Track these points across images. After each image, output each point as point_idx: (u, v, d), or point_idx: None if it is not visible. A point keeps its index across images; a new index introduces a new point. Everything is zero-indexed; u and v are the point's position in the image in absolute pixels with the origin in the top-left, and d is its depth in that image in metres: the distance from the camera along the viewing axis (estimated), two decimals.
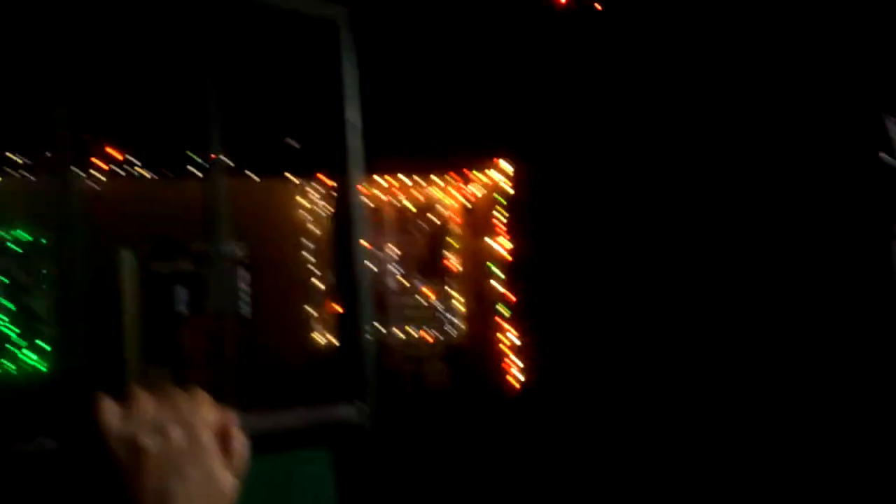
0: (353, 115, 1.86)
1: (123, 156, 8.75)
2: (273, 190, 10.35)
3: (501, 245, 10.33)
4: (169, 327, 10.23)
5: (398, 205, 10.99)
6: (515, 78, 7.90)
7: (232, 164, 9.34)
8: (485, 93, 7.91)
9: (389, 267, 10.95)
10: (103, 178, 9.03)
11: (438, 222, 11.21)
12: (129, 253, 9.91)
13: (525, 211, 9.86)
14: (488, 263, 10.49)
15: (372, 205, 10.81)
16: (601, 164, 8.32)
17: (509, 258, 10.26)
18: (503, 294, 10.31)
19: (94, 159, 8.70)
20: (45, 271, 9.32)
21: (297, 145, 9.06)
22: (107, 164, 8.83)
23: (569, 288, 8.91)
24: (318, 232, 10.62)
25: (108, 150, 8.63)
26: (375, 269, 11.00)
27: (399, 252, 11.04)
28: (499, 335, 10.31)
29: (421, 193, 11.05)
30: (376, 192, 10.68)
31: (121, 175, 9.06)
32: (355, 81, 1.91)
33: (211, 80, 1.69)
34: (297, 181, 10.51)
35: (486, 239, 10.52)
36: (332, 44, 1.84)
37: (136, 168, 9.14)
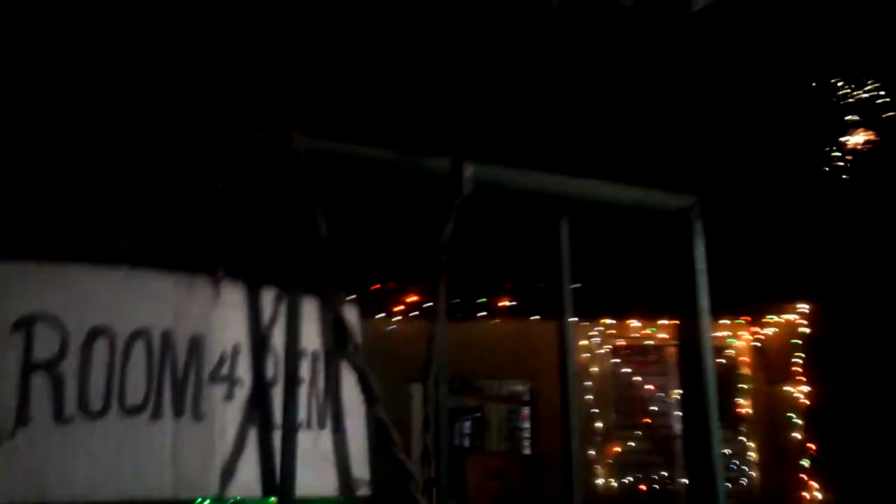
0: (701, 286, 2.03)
1: (419, 298, 9.54)
2: (552, 330, 10.55)
3: (800, 390, 9.50)
4: (452, 461, 10.59)
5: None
6: (819, 226, 7.53)
7: (514, 307, 9.81)
8: (789, 240, 7.58)
9: (673, 411, 10.50)
10: (400, 319, 9.89)
11: (727, 364, 10.62)
12: (419, 387, 10.54)
13: (826, 354, 9.04)
14: (786, 411, 9.66)
15: (650, 344, 10.59)
16: None
17: (809, 404, 9.38)
18: (803, 443, 9.37)
19: (397, 304, 9.61)
20: None
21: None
22: (405, 306, 9.68)
23: (877, 438, 7.90)
24: (597, 371, 10.57)
25: (409, 295, 9.48)
26: (659, 411, 10.61)
27: (682, 394, 10.57)
28: (799, 489, 9.30)
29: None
30: (660, 332, 10.47)
31: (416, 315, 9.86)
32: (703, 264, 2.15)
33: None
34: (578, 321, 10.66)
35: (782, 383, 9.74)
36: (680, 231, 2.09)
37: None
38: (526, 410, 11.46)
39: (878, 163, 6.68)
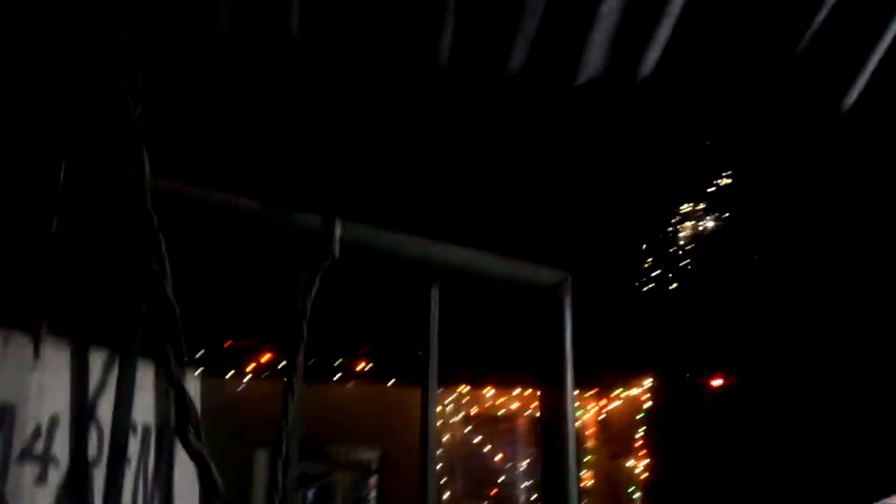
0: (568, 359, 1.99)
1: (270, 358, 9.17)
2: (406, 397, 10.43)
3: (639, 463, 9.79)
4: None
5: (531, 415, 10.77)
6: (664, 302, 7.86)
7: (371, 370, 9.61)
8: (637, 316, 7.85)
9: (520, 482, 10.54)
10: (251, 378, 9.44)
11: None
12: (264, 453, 10.08)
13: (663, 427, 9.40)
14: (626, 484, 9.91)
15: (502, 414, 10.65)
16: (753, 381, 7.94)
17: (647, 477, 9.67)
18: None
19: (245, 364, 9.17)
20: None
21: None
22: (254, 366, 9.27)
23: None
24: (448, 439, 10.49)
25: (263, 354, 9.09)
26: (506, 481, 10.62)
27: (529, 465, 10.67)
28: None
29: None
30: (511, 403, 10.56)
31: (269, 376, 9.45)
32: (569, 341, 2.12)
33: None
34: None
35: (624, 457, 10.01)
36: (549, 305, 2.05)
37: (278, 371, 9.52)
38: (374, 479, 11.16)
39: (721, 249, 7.10)
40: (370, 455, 11.00)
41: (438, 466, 10.21)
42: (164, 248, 1.42)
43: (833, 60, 1.95)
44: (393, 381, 9.57)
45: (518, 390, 10.55)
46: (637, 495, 9.74)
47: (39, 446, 1.53)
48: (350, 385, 9.64)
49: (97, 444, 1.61)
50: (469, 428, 10.61)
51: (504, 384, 10.34)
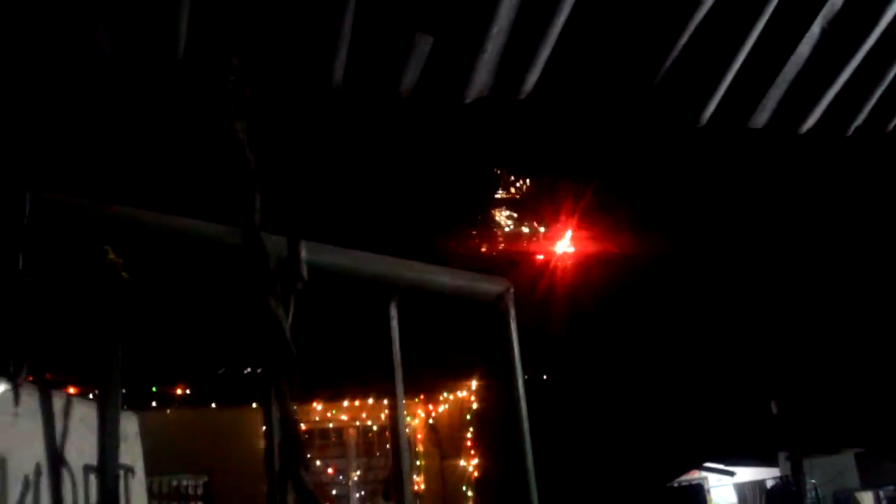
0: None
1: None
2: (229, 419, 10.03)
3: (470, 463, 10.04)
4: None
5: (361, 426, 10.73)
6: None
7: (193, 395, 9.19)
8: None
9: (353, 492, 10.48)
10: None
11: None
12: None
13: (489, 427, 9.69)
14: (459, 483, 10.12)
15: (335, 427, 10.55)
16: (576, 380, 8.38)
17: (477, 476, 9.93)
18: None
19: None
20: None
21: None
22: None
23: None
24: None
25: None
26: (338, 494, 10.51)
27: (361, 474, 10.63)
28: None
29: (385, 413, 10.84)
30: (341, 415, 10.46)
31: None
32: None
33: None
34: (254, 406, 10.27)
35: (454, 458, 10.22)
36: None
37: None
38: None
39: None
40: (194, 482, 10.47)
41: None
42: (280, 289, 1.34)
43: (691, 80, 2.17)
44: (213, 404, 9.21)
45: (346, 402, 10.49)
46: (470, 494, 9.98)
47: (30, 500, 1.38)
48: (169, 411, 9.17)
49: (71, 494, 1.42)
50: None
51: (333, 397, 10.24)
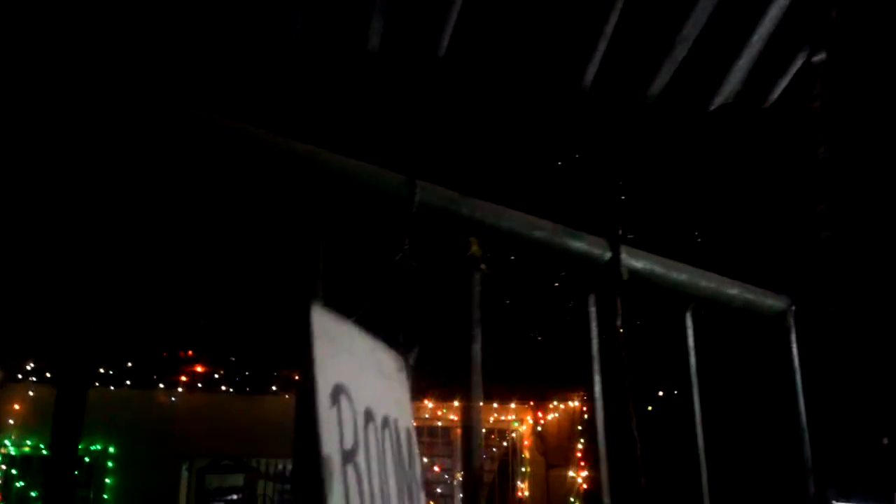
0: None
1: (206, 369, 8.83)
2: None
3: (579, 474, 9.80)
4: None
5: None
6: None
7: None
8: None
9: (458, 492, 10.44)
10: (180, 391, 9.08)
11: (507, 447, 10.79)
12: (187, 465, 9.80)
13: (607, 439, 9.42)
14: (565, 494, 9.90)
15: (444, 426, 10.54)
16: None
17: (587, 487, 9.69)
18: None
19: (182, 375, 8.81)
20: (108, 480, 9.18)
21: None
22: (189, 377, 8.91)
23: None
24: None
25: (198, 366, 8.74)
26: (444, 493, 10.50)
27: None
28: None
29: (493, 417, 10.75)
30: (451, 414, 10.44)
31: (198, 388, 9.10)
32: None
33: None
34: None
35: (562, 467, 10.01)
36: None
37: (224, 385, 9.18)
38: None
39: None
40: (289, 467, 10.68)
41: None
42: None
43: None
44: None
45: (456, 403, 10.47)
46: (573, 501, 9.75)
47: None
48: (282, 397, 9.39)
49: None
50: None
51: (444, 396, 10.23)
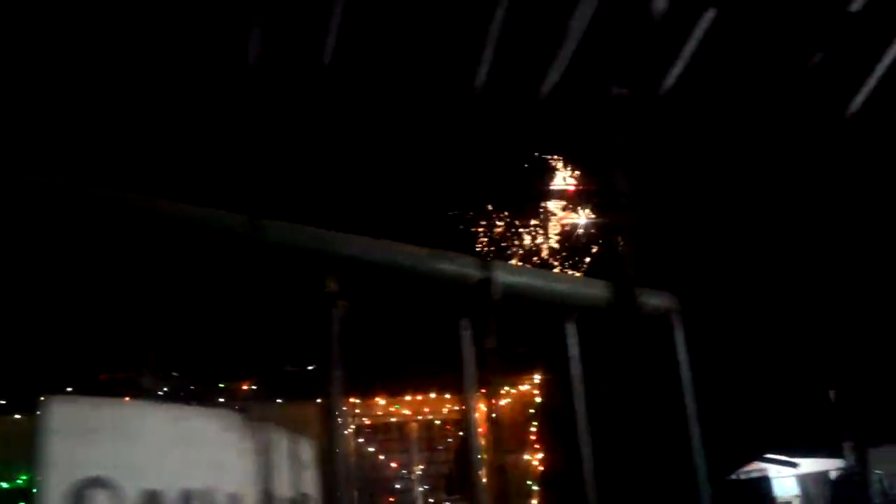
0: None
1: None
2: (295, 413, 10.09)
3: (534, 457, 9.98)
4: None
5: (423, 421, 10.72)
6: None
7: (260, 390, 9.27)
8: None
9: (417, 486, 10.49)
10: None
11: (464, 436, 10.87)
12: None
13: (556, 422, 9.62)
14: (522, 478, 10.07)
15: (397, 421, 10.57)
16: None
17: (543, 470, 9.87)
18: None
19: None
20: None
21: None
22: None
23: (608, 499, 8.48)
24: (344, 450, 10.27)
25: None
26: (402, 489, 10.54)
27: (424, 469, 10.63)
28: None
29: (447, 407, 10.81)
30: (403, 409, 10.47)
31: None
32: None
33: None
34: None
35: (518, 452, 10.16)
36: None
37: None
38: None
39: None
40: None
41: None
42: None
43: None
44: (281, 399, 9.28)
45: (409, 397, 10.50)
46: (534, 488, 9.92)
47: None
48: (235, 407, 9.27)
49: None
50: (361, 439, 10.44)
51: (395, 391, 10.25)
